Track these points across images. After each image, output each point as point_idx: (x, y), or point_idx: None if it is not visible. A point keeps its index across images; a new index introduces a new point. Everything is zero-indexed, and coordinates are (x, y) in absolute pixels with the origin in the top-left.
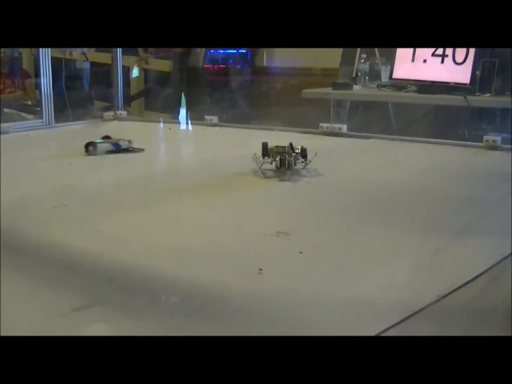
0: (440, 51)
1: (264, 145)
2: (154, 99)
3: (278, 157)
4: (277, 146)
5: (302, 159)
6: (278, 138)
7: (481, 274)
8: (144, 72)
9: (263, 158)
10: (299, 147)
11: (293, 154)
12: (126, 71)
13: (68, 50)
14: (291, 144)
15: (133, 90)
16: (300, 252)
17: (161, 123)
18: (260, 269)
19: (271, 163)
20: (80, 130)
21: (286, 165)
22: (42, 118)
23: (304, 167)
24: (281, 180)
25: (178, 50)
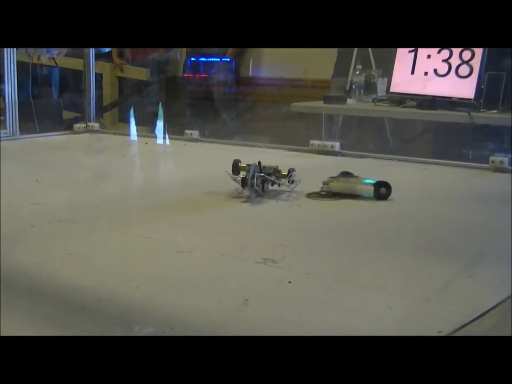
0: (443, 65)
1: (235, 163)
2: (129, 110)
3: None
4: (248, 165)
5: (274, 179)
6: (265, 156)
7: (491, 309)
8: (119, 80)
9: (234, 176)
10: (272, 167)
11: (260, 175)
12: (99, 79)
13: (35, 54)
14: (259, 163)
15: (106, 100)
16: (289, 282)
17: (137, 137)
18: (246, 300)
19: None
20: (48, 143)
21: (249, 185)
22: (5, 128)
23: (278, 185)
24: (269, 202)
25: (156, 57)
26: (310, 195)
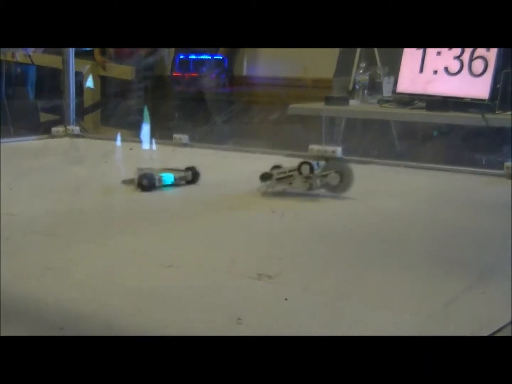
0: (455, 62)
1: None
2: (112, 112)
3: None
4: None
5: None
6: (260, 162)
7: (503, 327)
8: (101, 79)
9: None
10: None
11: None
12: (79, 78)
13: (9, 50)
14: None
15: (87, 101)
16: (286, 299)
17: (121, 142)
18: (239, 319)
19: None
20: (23, 148)
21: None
22: None
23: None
24: (264, 210)
25: (142, 54)
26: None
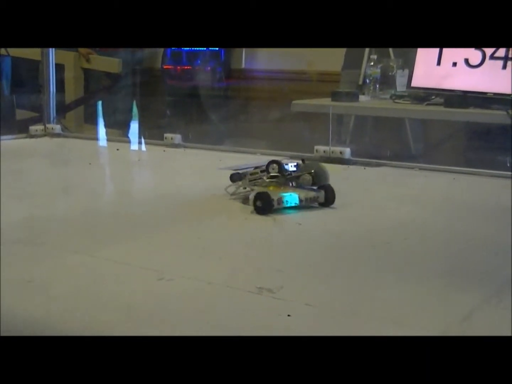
0: (476, 53)
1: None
2: (97, 109)
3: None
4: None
5: None
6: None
7: None
8: (85, 73)
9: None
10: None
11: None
12: (61, 70)
13: None
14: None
15: (70, 97)
16: (288, 315)
17: (106, 142)
18: None
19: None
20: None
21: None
22: None
23: None
24: (264, 219)
25: None
26: None
